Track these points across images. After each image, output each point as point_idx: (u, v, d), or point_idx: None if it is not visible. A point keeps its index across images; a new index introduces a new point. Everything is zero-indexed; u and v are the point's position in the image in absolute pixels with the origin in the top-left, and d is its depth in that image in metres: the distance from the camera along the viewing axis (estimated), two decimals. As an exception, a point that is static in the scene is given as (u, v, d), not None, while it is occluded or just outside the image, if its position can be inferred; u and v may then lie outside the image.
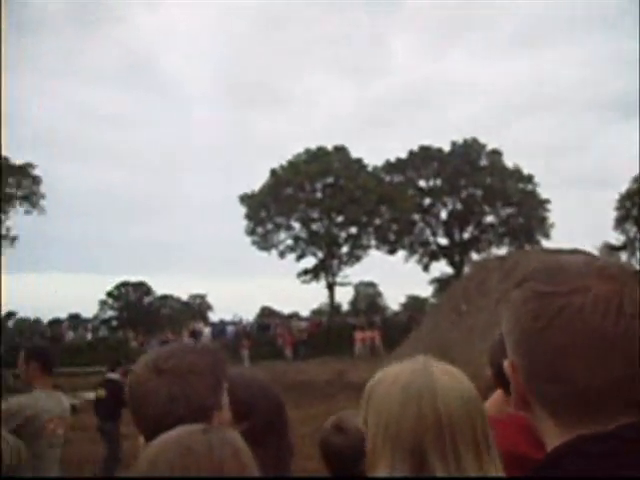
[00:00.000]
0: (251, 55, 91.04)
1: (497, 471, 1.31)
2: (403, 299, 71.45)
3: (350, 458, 2.08)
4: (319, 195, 50.24)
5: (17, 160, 45.04)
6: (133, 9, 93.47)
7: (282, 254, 51.11)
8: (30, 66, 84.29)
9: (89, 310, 63.11)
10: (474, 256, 52.43)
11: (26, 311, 53.22)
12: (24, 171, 45.02)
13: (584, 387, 0.90)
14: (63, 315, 55.28)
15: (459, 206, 52.84)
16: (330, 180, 49.81)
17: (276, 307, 63.56)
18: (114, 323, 60.42)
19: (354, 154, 51.01)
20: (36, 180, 45.46)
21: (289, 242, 51.22)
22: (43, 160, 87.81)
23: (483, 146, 52.72)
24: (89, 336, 42.16)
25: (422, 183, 53.20)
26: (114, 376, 10.38)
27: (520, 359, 0.96)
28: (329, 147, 50.99)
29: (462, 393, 1.33)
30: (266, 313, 61.21)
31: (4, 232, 45.10)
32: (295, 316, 52.98)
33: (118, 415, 9.73)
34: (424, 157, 52.14)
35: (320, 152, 50.56)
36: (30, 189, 45.38)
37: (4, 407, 4.15)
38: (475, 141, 52.72)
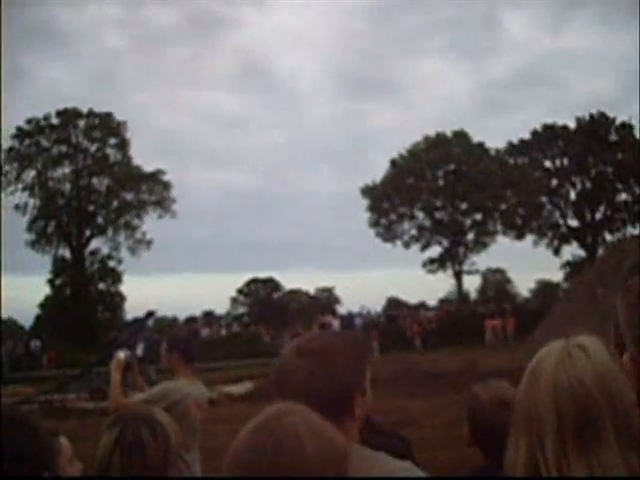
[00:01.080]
0: (363, 46, 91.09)
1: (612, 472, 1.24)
2: (533, 285, 69.32)
3: (499, 426, 2.07)
4: (441, 183, 49.62)
5: (148, 167, 47.47)
6: (245, 14, 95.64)
7: (407, 244, 50.89)
8: (154, 77, 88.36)
9: (221, 307, 65.44)
10: (608, 237, 50.08)
11: (163, 310, 55.91)
12: (155, 178, 47.25)
13: None
14: (197, 313, 57.68)
15: (589, 185, 50.53)
16: (452, 167, 49.08)
17: (403, 297, 63.42)
18: (246, 319, 62.31)
19: (475, 138, 50.06)
20: (167, 186, 47.58)
21: (413, 232, 50.94)
22: (171, 166, 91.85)
23: (612, 120, 50.13)
24: (223, 332, 43.73)
25: (548, 164, 51.32)
26: None
27: None
28: (448, 133, 50.22)
29: (577, 379, 1.30)
30: (393, 304, 61.16)
31: (140, 236, 47.61)
32: (422, 306, 52.66)
33: None
34: (549, 136, 50.23)
35: (439, 139, 49.89)
36: (161, 195, 47.56)
37: (151, 392, 4.42)
38: (602, 115, 50.24)
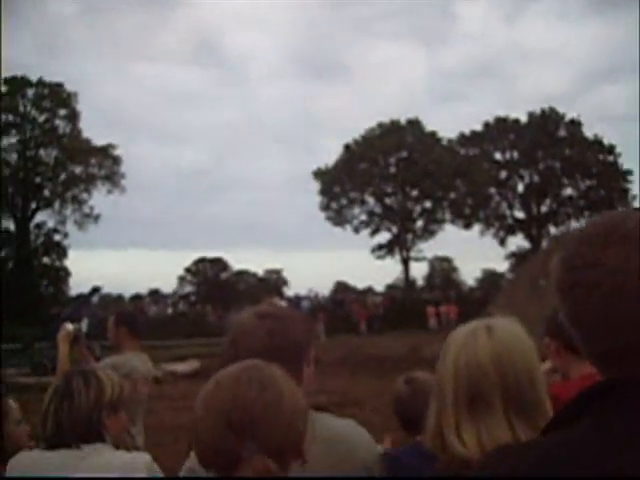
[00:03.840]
0: (319, 29, 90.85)
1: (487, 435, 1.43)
2: (479, 274, 70.53)
3: (414, 405, 2.31)
4: (393, 169, 49.95)
5: (96, 140, 46.51)
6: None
7: (356, 229, 51.20)
8: (104, 49, 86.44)
9: (168, 286, 64.84)
10: (552, 230, 51.29)
11: (109, 286, 55.13)
12: (105, 152, 46.36)
13: (595, 352, 0.97)
14: (144, 290, 57.05)
15: (536, 179, 51.59)
16: (404, 154, 49.42)
17: (351, 282, 63.78)
18: (192, 298, 61.89)
19: (428, 127, 50.51)
20: (117, 160, 46.73)
21: (363, 217, 51.26)
22: (120, 140, 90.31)
23: (561, 116, 51.21)
24: (169, 310, 43.42)
25: (498, 156, 52.18)
26: None
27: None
28: (402, 121, 50.54)
29: (474, 356, 1.48)
30: (340, 288, 61.50)
31: (87, 211, 46.75)
32: (369, 291, 53.11)
33: None
34: (500, 129, 51.05)
35: (393, 126, 50.16)
36: (111, 169, 46.71)
37: (98, 366, 4.41)
38: (553, 111, 51.25)
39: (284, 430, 1.20)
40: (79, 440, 2.11)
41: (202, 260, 65.46)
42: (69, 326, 4.34)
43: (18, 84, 44.53)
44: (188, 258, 66.01)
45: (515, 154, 51.53)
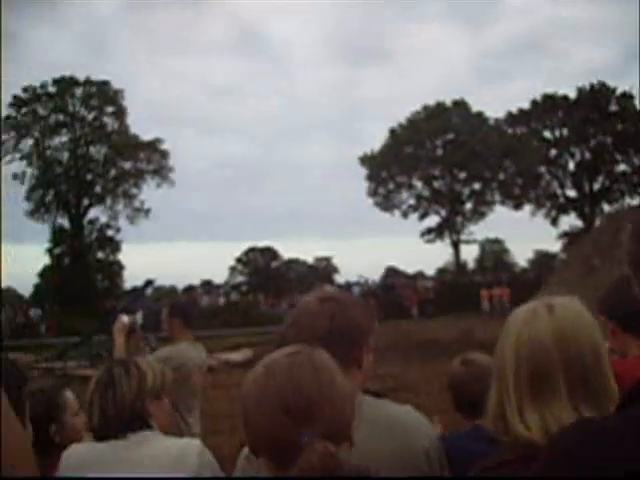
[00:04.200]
0: (358, 13, 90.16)
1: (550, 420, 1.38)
2: (531, 255, 69.44)
3: (470, 387, 2.32)
4: (440, 152, 49.47)
5: (143, 136, 47.17)
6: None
7: (405, 214, 50.94)
8: (148, 44, 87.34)
9: (220, 276, 65.47)
10: (606, 208, 50.12)
11: (162, 279, 55.92)
12: (153, 146, 47.00)
13: None
14: (196, 282, 57.73)
15: (588, 155, 50.40)
16: (450, 136, 48.89)
17: (401, 267, 63.50)
18: (244, 288, 62.45)
19: (474, 108, 49.81)
20: (164, 154, 47.34)
21: (411, 201, 50.95)
22: (166, 134, 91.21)
23: (612, 90, 49.85)
24: (221, 301, 43.89)
25: (547, 134, 51.13)
26: None
27: None
28: (448, 102, 49.94)
29: (536, 335, 1.43)
30: (391, 273, 61.31)
31: (138, 205, 47.54)
32: (420, 275, 52.81)
33: None
34: (548, 106, 49.96)
35: (439, 108, 49.62)
36: (159, 163, 47.35)
37: (154, 357, 4.50)
38: (603, 85, 49.93)
39: (338, 413, 1.20)
40: (126, 429, 2.14)
41: (252, 250, 65.98)
42: (125, 318, 4.42)
43: (66, 84, 45.42)
44: (238, 248, 66.65)
45: (565, 131, 50.42)
